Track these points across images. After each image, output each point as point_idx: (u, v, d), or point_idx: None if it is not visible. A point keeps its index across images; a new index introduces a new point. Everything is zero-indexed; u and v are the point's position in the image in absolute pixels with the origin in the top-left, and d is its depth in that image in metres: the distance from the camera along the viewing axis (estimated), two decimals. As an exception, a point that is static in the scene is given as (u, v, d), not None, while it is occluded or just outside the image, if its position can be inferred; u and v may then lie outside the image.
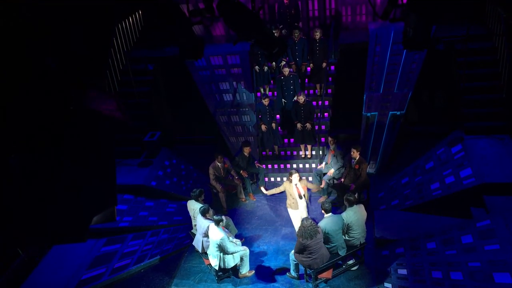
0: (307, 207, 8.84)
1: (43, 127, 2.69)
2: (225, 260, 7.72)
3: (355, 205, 7.53)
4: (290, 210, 8.66)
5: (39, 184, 2.73)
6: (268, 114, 10.68)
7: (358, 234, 7.62)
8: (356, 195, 7.90)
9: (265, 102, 10.48)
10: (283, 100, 10.96)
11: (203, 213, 7.93)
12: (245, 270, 8.06)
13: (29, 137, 2.65)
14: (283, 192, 8.85)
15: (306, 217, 7.24)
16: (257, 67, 11.14)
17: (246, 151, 10.33)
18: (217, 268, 7.79)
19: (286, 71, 10.49)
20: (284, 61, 11.01)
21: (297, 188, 8.42)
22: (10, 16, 2.52)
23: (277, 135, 11.09)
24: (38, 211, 2.77)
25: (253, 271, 8.18)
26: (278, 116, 11.30)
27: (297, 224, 8.43)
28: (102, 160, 3.06)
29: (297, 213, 8.52)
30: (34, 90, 2.64)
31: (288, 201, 8.60)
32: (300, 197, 8.37)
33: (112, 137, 3.15)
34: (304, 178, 9.31)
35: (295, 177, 8.39)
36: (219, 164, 9.95)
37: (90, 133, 2.95)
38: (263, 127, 10.78)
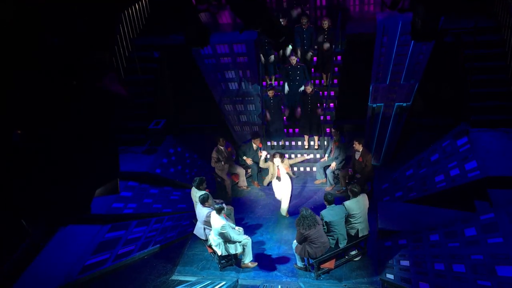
0: (290, 184, 9.33)
1: (46, 102, 2.69)
2: (227, 248, 7.74)
3: (359, 196, 7.55)
4: (273, 182, 9.36)
5: (43, 158, 2.74)
6: (273, 107, 10.62)
7: (358, 225, 7.64)
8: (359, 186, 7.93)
9: (270, 93, 10.42)
10: (286, 86, 10.88)
11: (202, 201, 7.92)
12: (248, 260, 8.06)
13: (32, 113, 2.65)
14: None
15: (305, 208, 7.22)
16: (263, 58, 11.06)
17: (256, 142, 10.32)
18: (219, 254, 7.80)
19: (293, 60, 10.42)
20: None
21: (278, 169, 9.11)
22: None
23: (283, 127, 11.07)
24: (43, 184, 2.78)
25: (256, 263, 8.16)
26: (283, 106, 11.27)
27: (277, 195, 9.38)
28: (104, 134, 3.06)
29: (278, 186, 9.26)
30: (36, 67, 2.63)
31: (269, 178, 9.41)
32: (279, 179, 9.13)
33: (113, 111, 3.14)
34: (286, 156, 9.80)
35: (276, 160, 9.03)
36: (221, 147, 9.96)
37: (92, 107, 2.95)
38: (268, 116, 10.76)
